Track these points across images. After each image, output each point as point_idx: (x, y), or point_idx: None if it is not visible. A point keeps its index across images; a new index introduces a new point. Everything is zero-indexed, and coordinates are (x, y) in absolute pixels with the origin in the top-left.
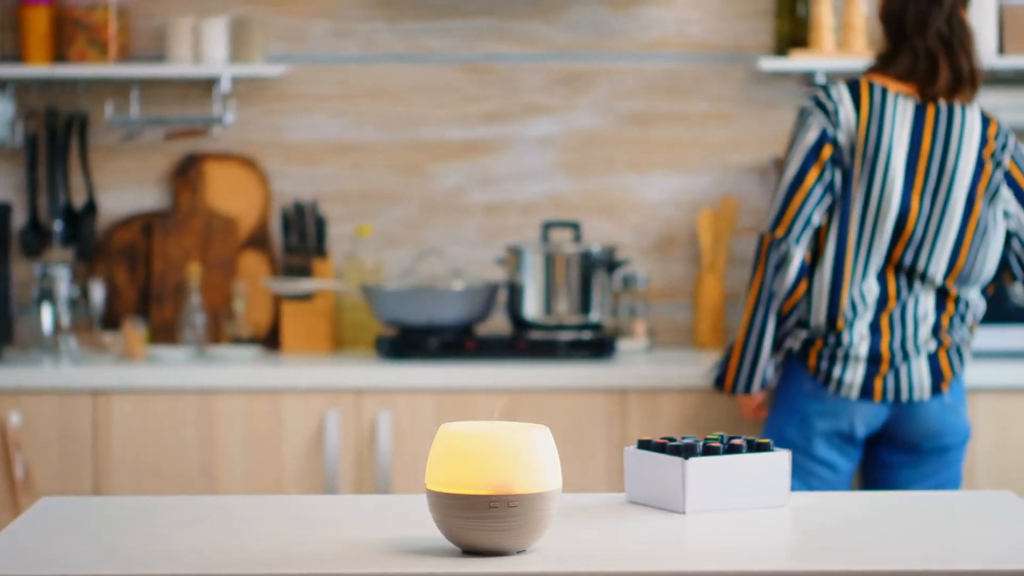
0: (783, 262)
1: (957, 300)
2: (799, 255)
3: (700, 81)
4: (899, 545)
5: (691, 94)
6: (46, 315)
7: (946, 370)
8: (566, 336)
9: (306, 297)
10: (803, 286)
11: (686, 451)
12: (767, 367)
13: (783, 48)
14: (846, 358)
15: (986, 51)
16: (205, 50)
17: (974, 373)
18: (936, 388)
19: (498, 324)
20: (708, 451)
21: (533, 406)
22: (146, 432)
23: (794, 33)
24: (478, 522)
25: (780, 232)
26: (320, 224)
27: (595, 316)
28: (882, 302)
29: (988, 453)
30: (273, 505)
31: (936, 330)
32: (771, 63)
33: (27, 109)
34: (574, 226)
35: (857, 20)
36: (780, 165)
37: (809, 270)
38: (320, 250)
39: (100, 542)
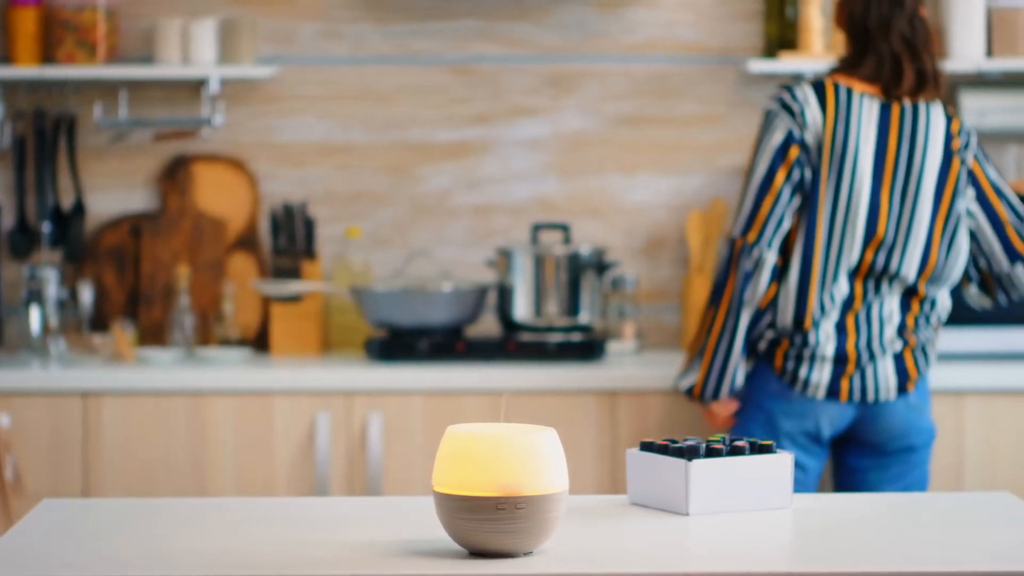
0: (756, 267)
1: (923, 301)
2: (771, 259)
3: (689, 83)
4: (900, 547)
5: (680, 96)
6: (35, 317)
7: (912, 370)
8: (556, 338)
9: (295, 299)
10: (774, 288)
11: (689, 453)
12: (737, 373)
13: (772, 50)
14: (812, 358)
15: (974, 53)
16: (194, 51)
17: (963, 375)
18: (902, 388)
19: (488, 326)
20: (711, 453)
21: (523, 408)
22: (136, 434)
23: (783, 35)
24: (485, 524)
25: (752, 236)
26: (309, 226)
27: (584, 318)
28: (848, 302)
29: (977, 455)
30: (273, 507)
31: (901, 330)
32: (760, 65)
33: (15, 110)
34: (564, 228)
35: None
36: (746, 168)
37: (780, 271)
38: (309, 252)
39: (101, 544)
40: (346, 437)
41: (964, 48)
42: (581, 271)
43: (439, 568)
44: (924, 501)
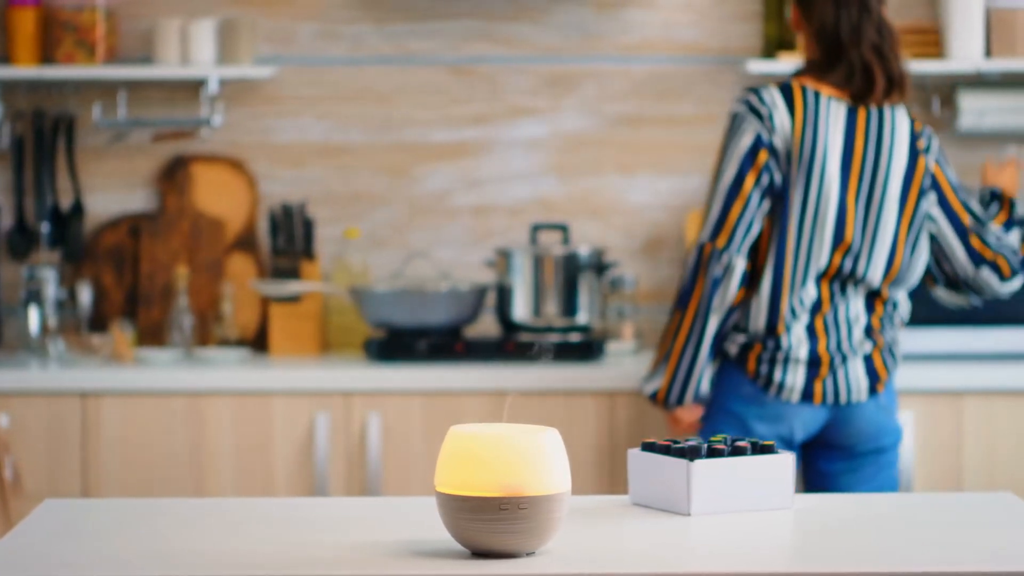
0: (725, 273)
1: (886, 302)
2: (741, 265)
3: (687, 83)
4: (903, 547)
5: (678, 96)
6: (33, 317)
7: (881, 371)
8: (554, 338)
9: (294, 299)
10: (742, 292)
11: (691, 453)
12: (702, 379)
13: (771, 51)
14: (786, 361)
15: (973, 54)
16: (193, 52)
17: (962, 375)
18: (873, 389)
19: (487, 326)
20: (713, 453)
21: (522, 408)
22: (135, 434)
23: (781, 36)
24: (488, 524)
25: (721, 242)
26: (308, 226)
27: (583, 318)
28: (817, 305)
29: (976, 455)
30: (273, 507)
31: (869, 331)
32: (759, 66)
33: (14, 111)
34: (562, 228)
35: None
36: (713, 172)
37: (749, 276)
38: (308, 252)
39: (102, 544)
40: (345, 437)
41: (963, 48)
42: (580, 271)
43: (442, 568)
44: (925, 501)
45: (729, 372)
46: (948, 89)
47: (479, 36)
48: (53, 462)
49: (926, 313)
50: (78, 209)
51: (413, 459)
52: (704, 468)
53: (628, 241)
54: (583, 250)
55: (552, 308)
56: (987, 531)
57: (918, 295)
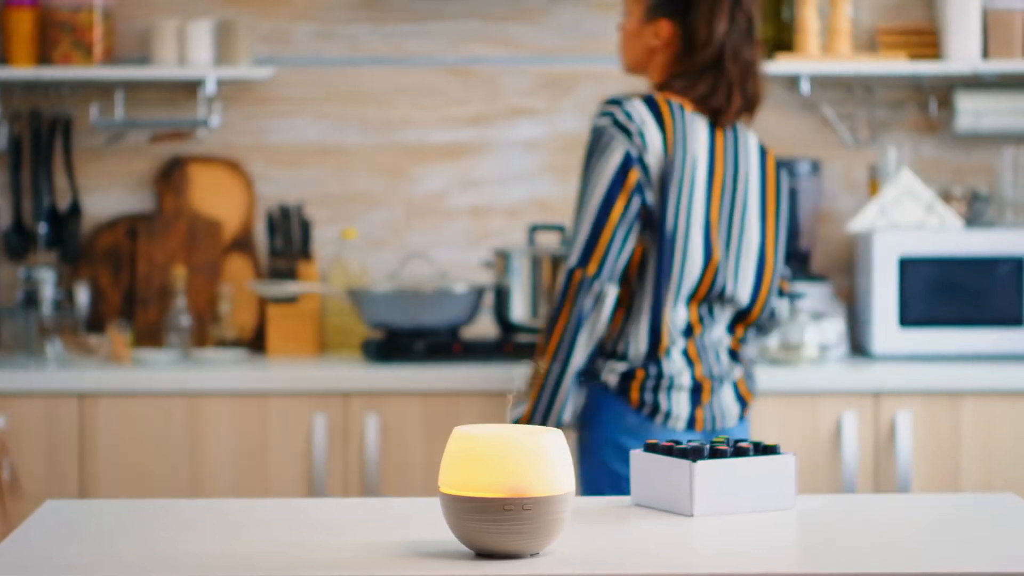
0: (597, 302)
1: (748, 324)
2: (613, 292)
3: None
4: (906, 548)
5: None
6: (31, 318)
7: (747, 396)
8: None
9: (291, 300)
10: (615, 318)
11: (694, 454)
12: (564, 410)
13: (768, 52)
14: (670, 388)
15: (971, 55)
16: (190, 52)
17: (961, 376)
18: (741, 415)
19: (484, 327)
20: (715, 454)
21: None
22: (132, 435)
23: (779, 37)
24: (492, 525)
25: (592, 269)
26: (305, 227)
27: None
28: (688, 329)
29: (974, 456)
30: (276, 509)
31: (732, 354)
32: None
33: (11, 111)
34: (560, 229)
35: (842, 24)
36: (579, 190)
37: (622, 299)
38: (305, 253)
39: (104, 546)
40: (343, 438)
41: (960, 49)
42: None
43: (446, 569)
44: (930, 502)
45: (610, 403)
46: (945, 90)
47: (477, 37)
48: (51, 463)
49: (925, 313)
50: (75, 210)
51: (411, 460)
52: (707, 469)
53: None
54: None
55: (550, 309)
56: (990, 532)
57: (920, 295)
